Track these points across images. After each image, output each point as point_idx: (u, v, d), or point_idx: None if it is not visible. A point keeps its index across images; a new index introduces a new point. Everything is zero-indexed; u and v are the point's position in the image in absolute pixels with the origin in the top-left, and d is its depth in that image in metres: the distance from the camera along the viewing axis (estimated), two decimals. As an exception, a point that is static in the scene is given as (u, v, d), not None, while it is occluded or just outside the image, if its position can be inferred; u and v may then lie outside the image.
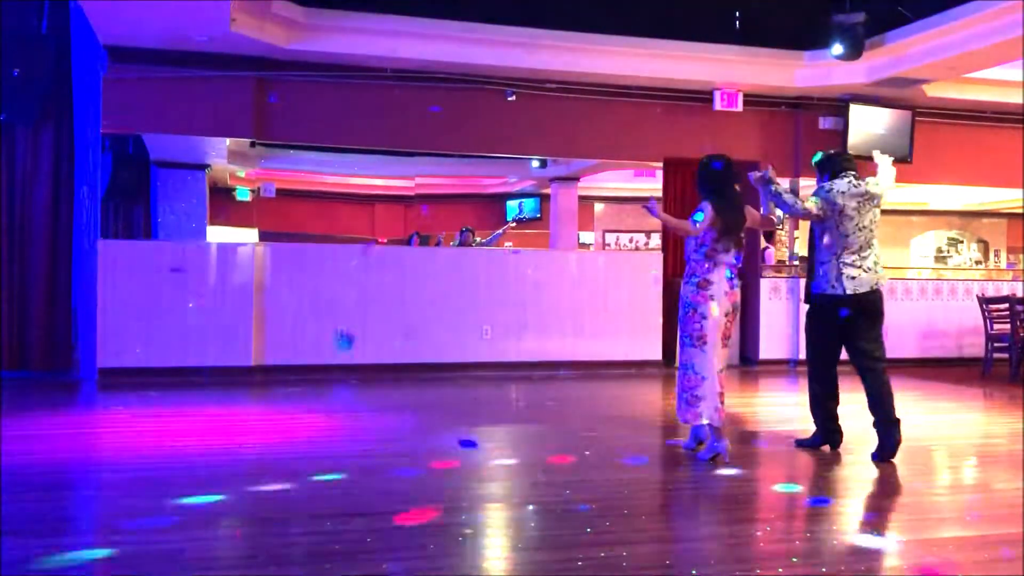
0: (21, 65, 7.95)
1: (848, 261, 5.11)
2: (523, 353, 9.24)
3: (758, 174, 5.27)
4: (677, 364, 5.26)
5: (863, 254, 5.13)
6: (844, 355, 5.41)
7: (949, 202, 15.87)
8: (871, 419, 5.27)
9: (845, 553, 3.48)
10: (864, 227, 5.15)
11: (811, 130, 10.17)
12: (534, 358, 9.25)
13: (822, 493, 4.57)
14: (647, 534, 3.66)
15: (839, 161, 5.37)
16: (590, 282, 9.57)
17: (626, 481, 4.56)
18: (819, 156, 5.52)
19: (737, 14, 8.69)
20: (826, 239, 5.18)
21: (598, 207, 17.38)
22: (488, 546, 3.51)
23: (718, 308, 4.99)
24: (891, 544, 3.63)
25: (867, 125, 10.04)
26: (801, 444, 5.48)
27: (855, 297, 5.10)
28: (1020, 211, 14.56)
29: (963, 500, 4.47)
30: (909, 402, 7.89)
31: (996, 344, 9.43)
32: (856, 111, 9.98)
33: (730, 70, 9.48)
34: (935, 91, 9.83)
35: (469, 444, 5.36)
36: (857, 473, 5.02)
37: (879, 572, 3.31)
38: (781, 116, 10.22)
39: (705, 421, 5.02)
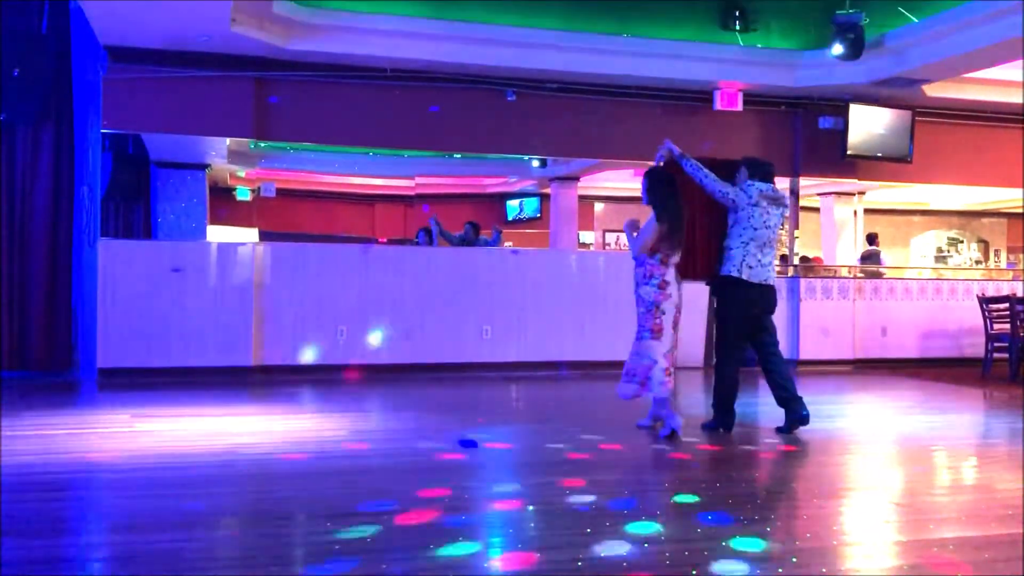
0: (21, 65, 7.95)
1: (752, 252, 5.65)
2: (523, 353, 9.24)
3: (668, 148, 5.75)
4: (633, 352, 5.72)
5: (764, 250, 5.68)
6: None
7: (949, 202, 15.88)
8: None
9: (845, 554, 3.49)
10: (770, 226, 5.70)
11: (811, 130, 10.18)
12: (534, 358, 9.25)
13: (822, 492, 4.57)
14: (647, 533, 3.66)
15: (767, 169, 5.86)
16: (590, 282, 9.57)
17: (625, 480, 4.56)
18: (752, 160, 5.99)
19: (737, 14, 8.69)
20: (738, 228, 5.68)
21: (598, 207, 17.37)
22: (488, 546, 3.51)
23: (673, 304, 5.62)
24: (891, 543, 3.63)
25: (867, 125, 10.05)
26: (706, 427, 5.89)
27: (757, 286, 5.65)
28: (1020, 211, 14.56)
29: (963, 500, 4.47)
30: (909, 401, 7.91)
31: (996, 344, 9.43)
32: (856, 111, 9.99)
33: (730, 70, 9.48)
34: (935, 91, 9.83)
35: (469, 444, 5.36)
36: (853, 472, 5.02)
37: (879, 572, 3.30)
38: (781, 116, 10.23)
39: (653, 394, 5.66)
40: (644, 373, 5.62)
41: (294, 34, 8.28)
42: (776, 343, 5.84)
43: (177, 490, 4.21)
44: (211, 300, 8.41)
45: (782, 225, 5.98)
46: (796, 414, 5.71)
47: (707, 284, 6.06)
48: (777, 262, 5.95)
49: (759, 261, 5.66)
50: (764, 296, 5.72)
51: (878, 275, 11.23)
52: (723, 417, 5.82)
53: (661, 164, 5.86)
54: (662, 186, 5.67)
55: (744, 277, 5.62)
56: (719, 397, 5.85)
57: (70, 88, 8.33)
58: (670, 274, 5.62)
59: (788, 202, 5.97)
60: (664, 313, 5.60)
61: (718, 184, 5.68)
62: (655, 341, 5.59)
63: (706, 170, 5.71)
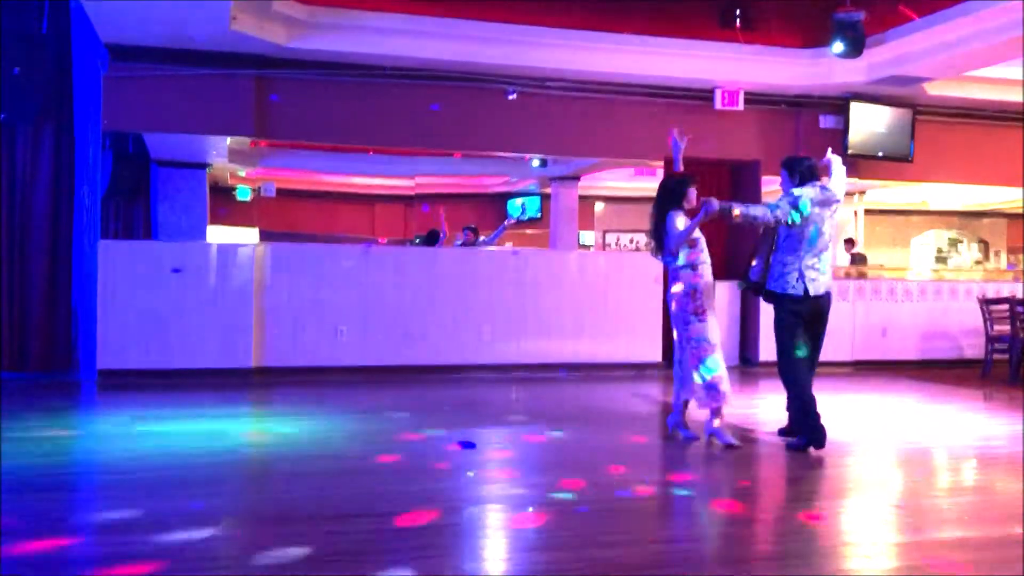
0: (21, 65, 7.95)
1: (810, 264, 5.32)
2: (523, 354, 9.22)
3: (711, 208, 5.29)
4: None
5: (822, 258, 5.37)
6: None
7: (949, 202, 15.87)
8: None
9: (846, 554, 3.48)
10: (824, 232, 5.36)
11: (812, 129, 10.15)
12: (534, 359, 9.24)
13: (822, 492, 4.57)
14: (646, 534, 3.66)
15: (810, 167, 5.49)
16: (590, 282, 9.56)
17: (625, 481, 4.55)
18: (790, 159, 5.66)
19: (738, 12, 8.68)
20: (791, 242, 5.34)
21: (598, 207, 17.38)
22: (488, 546, 3.51)
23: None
24: (891, 544, 3.63)
25: (868, 124, 10.03)
26: (790, 446, 5.44)
27: (814, 298, 5.32)
28: (1020, 211, 14.55)
29: (963, 501, 4.46)
30: (909, 403, 7.90)
31: (996, 345, 9.42)
32: (857, 109, 9.97)
33: (731, 69, 9.46)
34: (936, 90, 9.82)
35: (468, 445, 5.35)
36: (854, 473, 5.01)
37: (879, 572, 3.30)
38: (782, 115, 10.21)
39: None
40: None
41: (294, 33, 8.27)
42: (814, 359, 5.51)
43: (177, 491, 4.20)
44: (211, 300, 8.40)
45: (833, 223, 5.48)
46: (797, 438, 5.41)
47: (760, 296, 5.65)
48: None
49: (819, 271, 5.34)
50: (825, 304, 5.41)
51: (863, 275, 11.27)
52: (811, 433, 5.30)
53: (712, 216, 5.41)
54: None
55: (812, 292, 5.31)
56: (799, 413, 5.41)
57: (70, 88, 8.32)
58: None
59: (838, 194, 5.51)
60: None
61: (770, 214, 5.30)
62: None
63: (754, 208, 5.36)
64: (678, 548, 3.51)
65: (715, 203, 5.24)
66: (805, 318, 5.37)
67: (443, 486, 4.43)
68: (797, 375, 5.38)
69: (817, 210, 5.32)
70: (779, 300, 5.41)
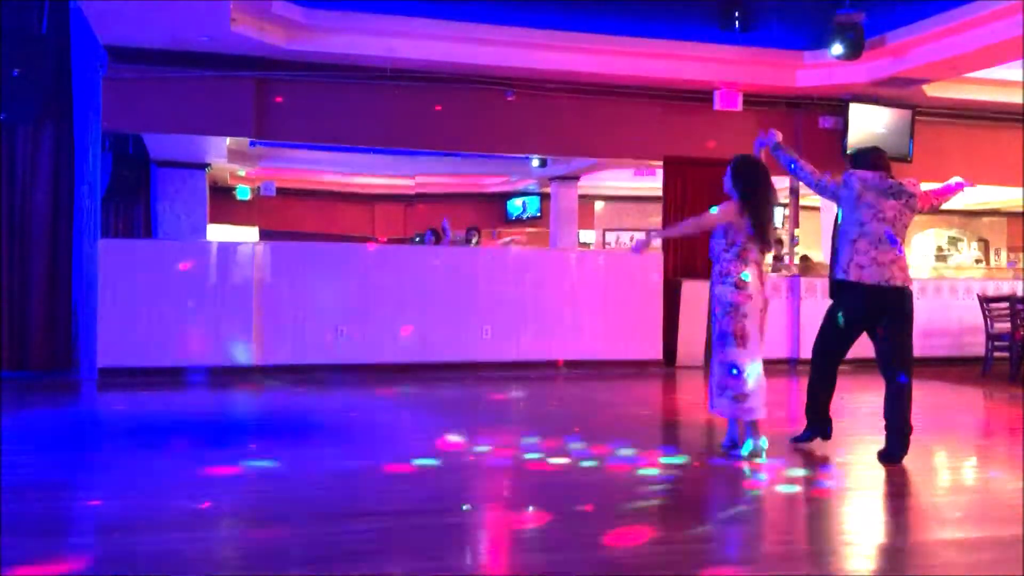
0: (21, 65, 7.95)
1: (862, 249, 4.99)
2: (523, 353, 9.24)
3: (771, 138, 5.26)
4: (714, 361, 5.21)
5: (881, 247, 4.97)
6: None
7: (949, 201, 15.88)
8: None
9: (847, 554, 3.49)
10: (885, 219, 5.01)
11: (811, 130, 10.17)
12: (534, 358, 9.25)
13: (821, 493, 4.57)
14: (646, 534, 3.66)
15: (871, 157, 5.29)
16: (590, 282, 9.57)
17: (626, 480, 4.56)
18: (857, 150, 5.53)
19: (737, 13, 8.68)
20: (845, 226, 5.10)
21: (598, 206, 17.38)
22: (488, 546, 3.51)
23: (755, 307, 5.06)
24: (892, 545, 3.64)
25: (867, 125, 10.04)
26: (795, 440, 5.41)
27: (866, 288, 4.97)
28: (1020, 210, 14.56)
29: (963, 500, 4.47)
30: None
31: (996, 343, 9.42)
32: (856, 111, 9.98)
33: (730, 69, 9.47)
34: (935, 91, 9.83)
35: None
36: (854, 472, 5.02)
37: (880, 572, 3.31)
38: (781, 116, 10.21)
39: (757, 417, 5.07)
40: (738, 388, 5.06)
41: (294, 34, 8.28)
42: (888, 361, 5.06)
43: (177, 490, 4.21)
44: (211, 300, 8.41)
45: (906, 221, 5.12)
46: (891, 448, 5.02)
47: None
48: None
49: (873, 259, 4.94)
50: (881, 299, 4.99)
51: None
52: (814, 425, 5.31)
53: (759, 155, 5.31)
54: (751, 173, 5.17)
55: (853, 279, 4.97)
56: (807, 404, 5.36)
57: (70, 88, 8.32)
58: (750, 272, 5.06)
59: (914, 191, 5.18)
60: (746, 316, 5.03)
61: (815, 176, 5.19)
62: (739, 348, 5.04)
63: (802, 162, 5.26)
64: (676, 548, 3.51)
65: (777, 136, 5.24)
66: (857, 310, 5.05)
67: (443, 484, 4.43)
68: (821, 365, 5.29)
69: (872, 195, 5.03)
70: (832, 287, 5.18)
